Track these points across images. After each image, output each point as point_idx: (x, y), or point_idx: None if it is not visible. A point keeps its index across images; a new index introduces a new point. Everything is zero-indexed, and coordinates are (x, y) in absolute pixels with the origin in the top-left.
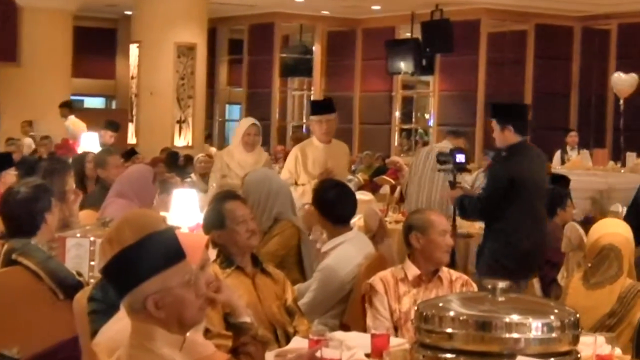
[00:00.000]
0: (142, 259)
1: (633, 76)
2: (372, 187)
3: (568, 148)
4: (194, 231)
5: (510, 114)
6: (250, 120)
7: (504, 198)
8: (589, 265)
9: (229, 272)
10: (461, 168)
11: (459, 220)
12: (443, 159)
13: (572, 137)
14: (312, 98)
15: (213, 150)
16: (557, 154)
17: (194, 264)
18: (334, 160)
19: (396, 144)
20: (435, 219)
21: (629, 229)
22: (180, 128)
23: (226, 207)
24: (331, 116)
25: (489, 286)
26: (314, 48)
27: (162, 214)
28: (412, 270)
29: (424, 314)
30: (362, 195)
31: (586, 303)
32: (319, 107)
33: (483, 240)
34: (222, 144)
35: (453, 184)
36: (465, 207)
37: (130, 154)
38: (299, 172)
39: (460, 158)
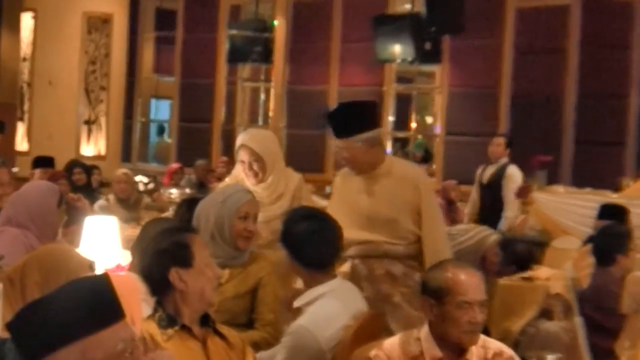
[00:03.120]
0: (59, 317)
1: None
2: None
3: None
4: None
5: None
6: (240, 138)
7: None
8: None
9: (170, 333)
10: None
11: None
12: None
13: None
14: (272, 91)
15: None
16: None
17: (135, 324)
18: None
19: None
20: (460, 282)
21: None
22: (90, 131)
23: (194, 240)
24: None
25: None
26: (274, 24)
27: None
28: (432, 351)
29: None
30: None
31: None
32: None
33: None
34: (145, 153)
35: None
36: None
37: (42, 163)
38: None
39: None
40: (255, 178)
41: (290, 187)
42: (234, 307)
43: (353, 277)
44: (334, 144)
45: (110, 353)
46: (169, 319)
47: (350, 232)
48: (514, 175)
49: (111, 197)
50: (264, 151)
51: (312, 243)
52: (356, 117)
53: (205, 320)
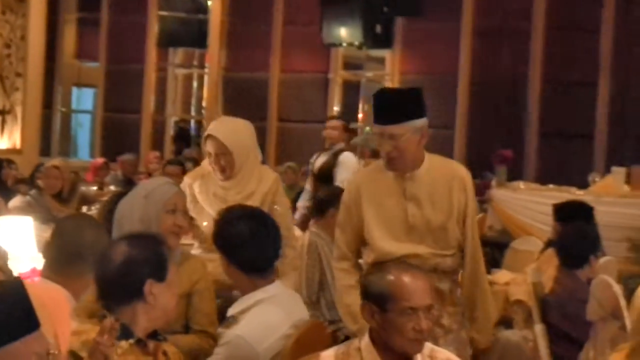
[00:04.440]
0: None
1: None
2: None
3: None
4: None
5: None
6: (209, 127)
7: None
8: (634, 347)
9: (125, 346)
10: None
11: None
12: None
13: None
14: (206, 78)
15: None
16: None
17: (59, 339)
18: None
19: None
20: (404, 286)
21: None
22: (4, 122)
23: (171, 255)
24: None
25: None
26: (209, 4)
27: None
28: (371, 358)
29: None
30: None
31: None
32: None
33: None
34: (67, 147)
35: None
36: None
37: None
38: None
39: None
40: (222, 173)
41: (262, 187)
42: None
43: None
44: (379, 134)
45: None
46: (123, 330)
47: (391, 245)
48: (348, 162)
49: (33, 192)
50: (234, 144)
51: (248, 245)
52: (409, 100)
53: (154, 335)
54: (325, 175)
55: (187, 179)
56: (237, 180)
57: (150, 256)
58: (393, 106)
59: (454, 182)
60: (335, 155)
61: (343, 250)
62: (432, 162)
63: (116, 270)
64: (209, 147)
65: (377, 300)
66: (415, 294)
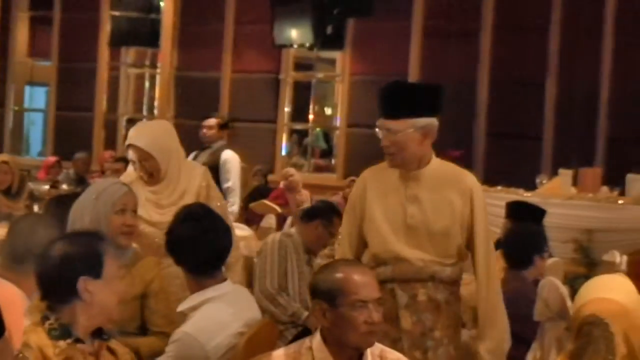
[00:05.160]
0: None
1: None
2: (247, 217)
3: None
4: None
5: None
6: (128, 137)
7: None
8: (572, 348)
9: (63, 345)
10: None
11: None
12: None
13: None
14: (158, 78)
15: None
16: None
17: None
18: None
19: (284, 152)
20: (352, 281)
21: (631, 292)
22: None
23: (107, 252)
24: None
25: None
26: (161, 4)
27: None
28: (323, 357)
29: None
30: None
31: None
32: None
33: None
34: (19, 145)
35: None
36: None
37: None
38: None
39: None
40: (150, 178)
41: (193, 182)
42: (121, 314)
43: (388, 305)
44: (379, 128)
45: None
46: (62, 330)
47: (394, 245)
48: (232, 161)
49: None
50: (154, 147)
51: (195, 246)
52: (415, 96)
53: (99, 333)
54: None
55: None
56: (166, 182)
57: (84, 253)
58: (395, 101)
59: (459, 189)
60: (215, 153)
61: (343, 252)
62: (440, 166)
63: (52, 268)
64: (131, 155)
65: (327, 297)
66: (364, 287)
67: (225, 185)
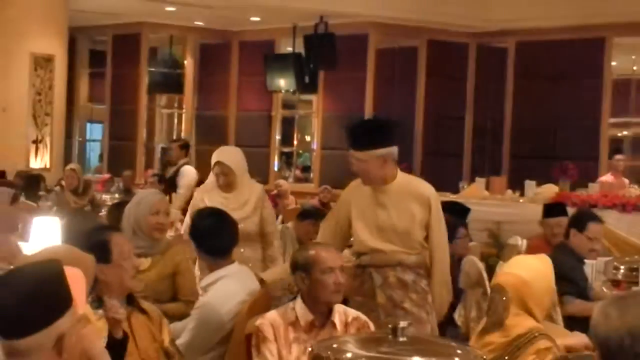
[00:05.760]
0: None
1: None
2: None
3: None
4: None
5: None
6: (216, 156)
7: None
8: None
9: (101, 313)
10: None
11: None
12: None
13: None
14: (183, 116)
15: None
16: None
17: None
18: None
19: (275, 168)
20: (321, 255)
21: (537, 269)
22: (37, 148)
23: (113, 239)
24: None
25: (390, 325)
26: (185, 62)
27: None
28: (305, 315)
29: (319, 355)
30: None
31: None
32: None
33: None
34: (83, 166)
35: None
36: None
37: None
38: None
39: None
40: (227, 187)
41: (253, 196)
42: (158, 288)
43: (367, 284)
44: (350, 155)
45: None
46: (98, 302)
47: (370, 241)
48: (187, 173)
49: (57, 189)
50: (234, 165)
51: (215, 235)
52: (374, 132)
53: (131, 300)
54: (173, 182)
55: (198, 194)
56: (236, 192)
57: (91, 247)
58: (360, 135)
59: (419, 199)
60: (179, 168)
61: (323, 234)
62: (403, 180)
63: None
64: (216, 169)
65: (304, 268)
66: (331, 258)
67: (178, 191)
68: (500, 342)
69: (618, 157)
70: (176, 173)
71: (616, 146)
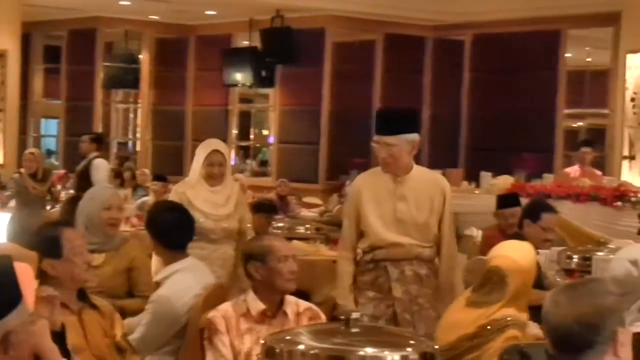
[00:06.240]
0: None
1: None
2: None
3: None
4: None
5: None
6: (212, 144)
7: None
8: (475, 285)
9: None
10: None
11: None
12: None
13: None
14: (139, 111)
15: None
16: None
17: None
18: None
19: (233, 162)
20: (275, 244)
21: (529, 257)
22: None
23: (64, 234)
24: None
25: (342, 317)
26: (141, 57)
27: None
28: (256, 305)
29: (272, 348)
30: None
31: (458, 317)
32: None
33: None
34: None
35: None
36: None
37: None
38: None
39: None
40: (219, 178)
41: (233, 191)
42: (113, 284)
43: (382, 279)
44: (377, 142)
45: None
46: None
47: (384, 233)
48: (100, 166)
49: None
50: (228, 155)
51: (173, 230)
52: (404, 119)
53: (82, 296)
54: (85, 176)
55: (179, 188)
56: (223, 186)
57: (41, 242)
58: (390, 121)
59: (436, 189)
60: (90, 161)
61: (350, 242)
62: (420, 171)
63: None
64: (214, 158)
65: (259, 257)
66: (284, 247)
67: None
68: (471, 321)
69: (584, 149)
70: (87, 167)
71: (585, 138)
